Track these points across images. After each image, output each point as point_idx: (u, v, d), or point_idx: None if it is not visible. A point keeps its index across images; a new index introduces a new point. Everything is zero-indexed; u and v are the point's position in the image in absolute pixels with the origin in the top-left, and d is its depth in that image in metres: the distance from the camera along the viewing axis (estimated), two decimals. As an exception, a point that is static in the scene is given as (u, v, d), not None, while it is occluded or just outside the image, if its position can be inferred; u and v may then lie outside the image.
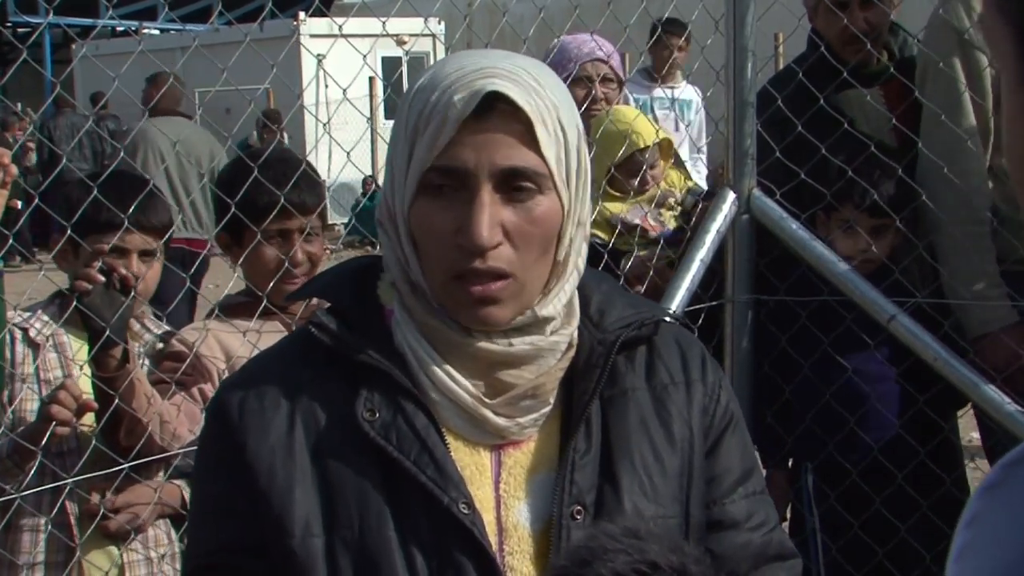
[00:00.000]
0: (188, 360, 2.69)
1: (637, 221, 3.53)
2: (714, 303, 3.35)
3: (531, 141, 1.43)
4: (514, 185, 1.43)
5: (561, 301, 1.52)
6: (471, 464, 1.47)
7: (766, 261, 3.37)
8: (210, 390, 2.69)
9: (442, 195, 1.43)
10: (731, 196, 3.33)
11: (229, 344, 2.78)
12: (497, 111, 1.41)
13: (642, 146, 3.55)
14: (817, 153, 3.38)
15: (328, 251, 3.15)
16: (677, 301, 3.12)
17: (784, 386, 3.37)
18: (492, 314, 1.45)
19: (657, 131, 3.65)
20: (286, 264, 2.76)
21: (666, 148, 3.70)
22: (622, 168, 3.54)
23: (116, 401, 2.51)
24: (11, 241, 2.44)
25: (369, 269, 1.57)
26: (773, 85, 3.64)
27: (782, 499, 3.39)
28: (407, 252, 1.47)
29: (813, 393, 3.32)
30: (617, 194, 3.58)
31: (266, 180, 2.73)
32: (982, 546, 0.75)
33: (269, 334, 2.61)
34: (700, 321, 3.25)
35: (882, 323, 3.21)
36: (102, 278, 2.51)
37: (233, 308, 2.86)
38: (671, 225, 3.59)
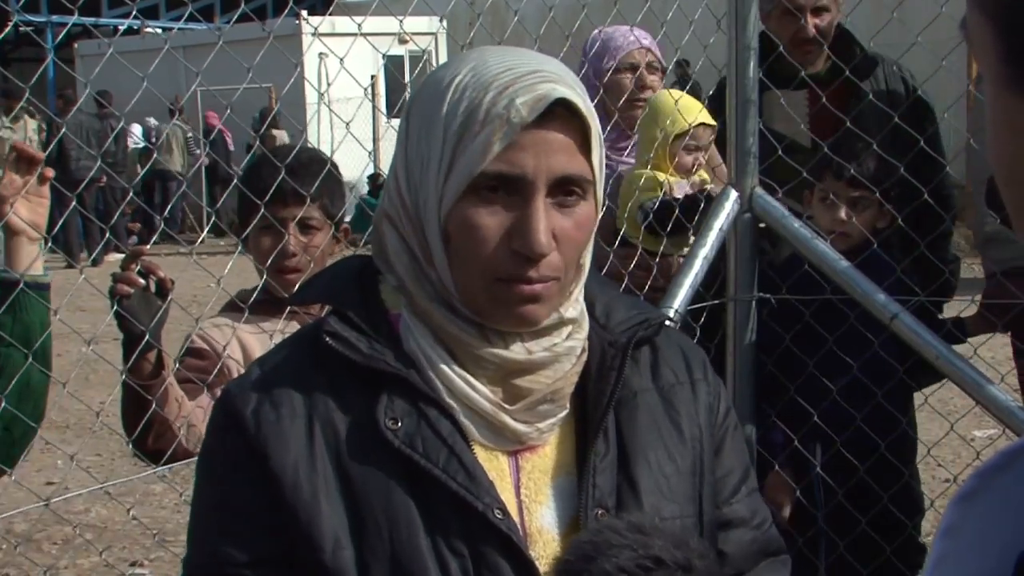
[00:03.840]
0: (212, 361, 2.67)
1: (680, 195, 3.53)
2: (716, 301, 3.35)
3: (584, 148, 1.42)
4: (565, 191, 1.42)
5: (580, 303, 1.52)
6: (491, 470, 1.45)
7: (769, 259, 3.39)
8: None
9: (491, 198, 1.41)
10: (733, 195, 3.33)
11: (247, 341, 2.76)
12: (556, 116, 1.40)
13: (681, 129, 3.55)
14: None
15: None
16: (680, 299, 3.12)
17: (788, 384, 3.37)
18: (533, 312, 1.44)
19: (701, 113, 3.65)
20: (282, 255, 2.77)
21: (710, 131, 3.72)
22: (672, 148, 3.56)
23: (149, 406, 2.46)
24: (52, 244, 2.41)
25: (365, 271, 1.54)
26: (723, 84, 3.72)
27: (788, 497, 3.39)
28: (435, 251, 1.44)
29: (815, 385, 3.33)
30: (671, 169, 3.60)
31: (270, 170, 2.72)
32: (959, 556, 0.75)
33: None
34: (702, 320, 3.26)
35: (884, 321, 3.21)
36: (142, 281, 2.44)
37: (250, 306, 2.81)
38: None
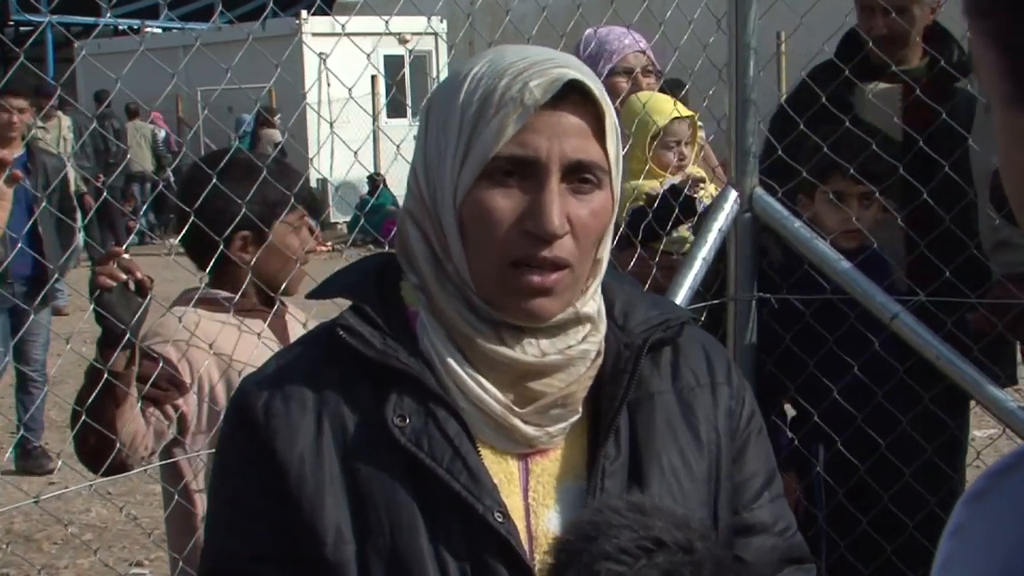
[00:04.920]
0: (164, 371, 2.65)
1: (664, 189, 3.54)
2: (716, 301, 3.35)
3: (599, 134, 1.43)
4: (579, 177, 1.42)
5: (597, 299, 1.51)
6: (500, 473, 1.45)
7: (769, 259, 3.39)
8: (184, 407, 2.65)
9: (506, 182, 1.41)
10: (733, 194, 3.33)
11: (211, 335, 2.74)
12: (570, 101, 1.41)
13: (659, 126, 3.58)
14: (818, 144, 3.44)
15: (330, 248, 3.18)
16: (680, 299, 3.12)
17: (789, 384, 3.37)
18: (544, 306, 1.43)
19: (674, 108, 3.67)
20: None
21: (692, 125, 3.74)
22: (653, 147, 3.58)
23: (114, 397, 2.45)
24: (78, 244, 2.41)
25: (386, 268, 1.54)
26: (812, 77, 3.78)
27: (790, 500, 3.39)
28: (451, 241, 1.44)
29: (818, 385, 3.33)
30: (658, 171, 3.62)
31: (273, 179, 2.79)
32: (967, 556, 0.74)
33: (253, 332, 2.74)
34: (703, 320, 3.25)
35: (884, 321, 3.21)
36: (124, 276, 2.44)
37: (213, 303, 2.82)
38: (706, 202, 3.61)
